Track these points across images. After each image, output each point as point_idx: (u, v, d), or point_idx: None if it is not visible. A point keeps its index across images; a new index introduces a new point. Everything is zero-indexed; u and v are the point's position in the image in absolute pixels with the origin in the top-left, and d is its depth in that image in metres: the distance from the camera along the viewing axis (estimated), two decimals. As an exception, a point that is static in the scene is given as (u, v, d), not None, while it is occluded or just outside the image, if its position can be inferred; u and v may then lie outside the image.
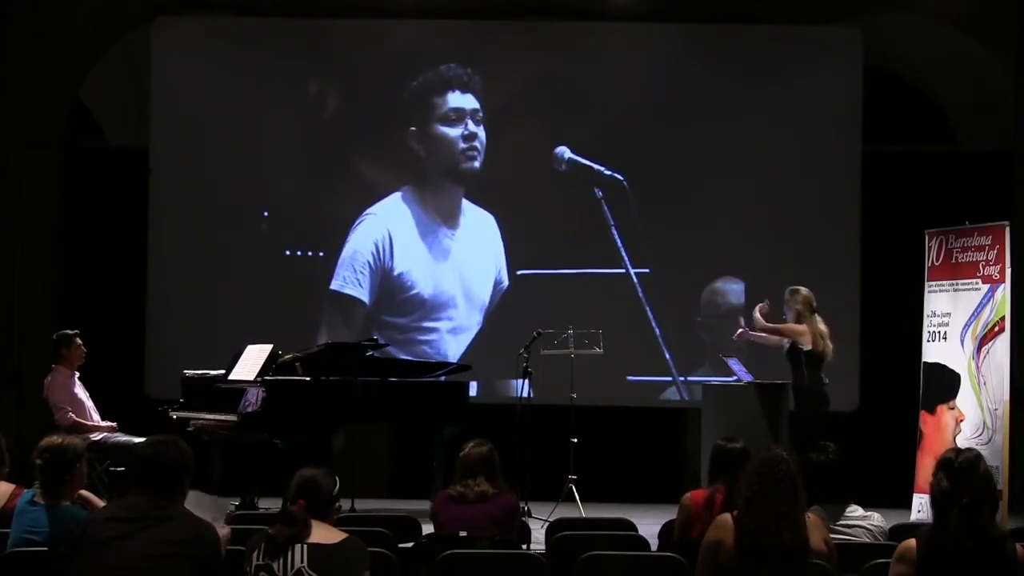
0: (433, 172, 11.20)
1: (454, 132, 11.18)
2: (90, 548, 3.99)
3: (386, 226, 11.13)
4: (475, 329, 11.10)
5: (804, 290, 8.69)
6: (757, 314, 8.81)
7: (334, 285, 11.09)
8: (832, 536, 4.76)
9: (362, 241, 11.13)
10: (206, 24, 11.62)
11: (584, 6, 11.46)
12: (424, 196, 11.21)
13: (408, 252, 11.10)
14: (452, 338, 11.07)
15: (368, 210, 11.15)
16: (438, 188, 11.21)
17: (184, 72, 11.26)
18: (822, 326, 8.60)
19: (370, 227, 11.14)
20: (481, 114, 11.17)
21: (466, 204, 11.21)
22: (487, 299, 11.14)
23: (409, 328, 11.04)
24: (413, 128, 11.18)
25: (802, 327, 8.57)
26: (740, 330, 8.97)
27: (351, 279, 11.07)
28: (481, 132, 11.16)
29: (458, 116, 11.18)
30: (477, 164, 11.15)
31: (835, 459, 5.39)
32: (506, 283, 11.10)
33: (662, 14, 11.32)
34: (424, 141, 11.19)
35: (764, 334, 8.79)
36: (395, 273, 11.08)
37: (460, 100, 11.19)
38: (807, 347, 8.52)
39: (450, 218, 11.20)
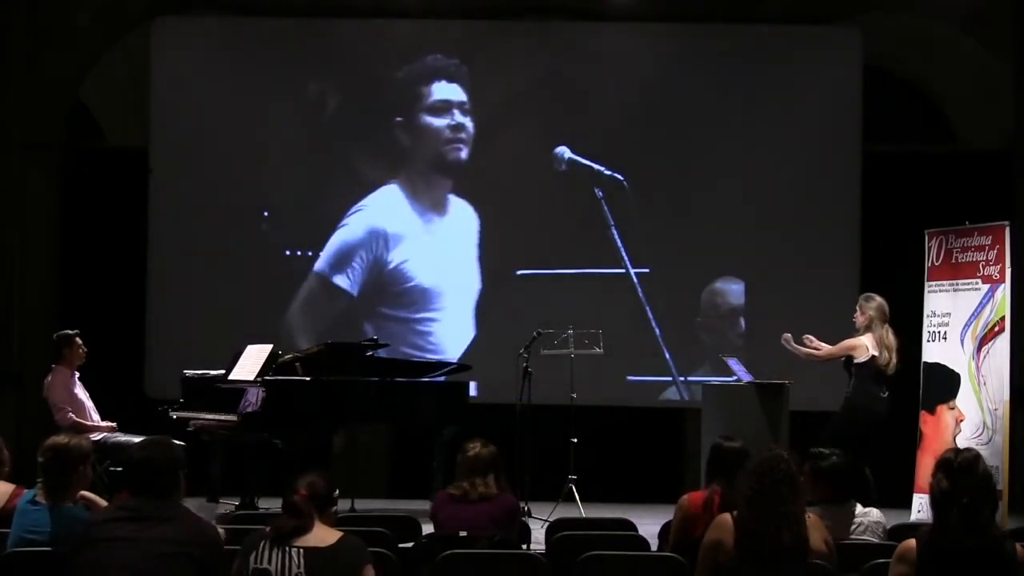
0: (420, 163, 11.18)
1: (440, 123, 11.16)
2: (92, 548, 4.00)
3: (379, 220, 11.10)
4: (471, 319, 11.09)
5: (879, 298, 8.47)
6: (796, 345, 8.53)
7: (323, 269, 11.06)
8: (844, 540, 4.75)
9: (355, 234, 11.10)
10: (206, 24, 11.63)
11: (584, 6, 11.47)
12: (415, 188, 11.18)
13: (403, 244, 11.08)
14: (448, 329, 11.07)
15: (358, 204, 11.13)
16: (427, 180, 11.19)
17: (184, 72, 11.26)
18: (891, 338, 8.36)
19: (362, 221, 11.11)
20: (468, 105, 11.16)
21: (452, 198, 11.19)
22: (480, 287, 11.14)
23: (409, 320, 11.02)
24: (400, 118, 11.17)
25: (855, 342, 8.38)
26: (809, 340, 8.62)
27: (342, 269, 11.05)
28: (468, 123, 11.15)
29: (444, 107, 11.16)
30: (463, 155, 11.13)
31: (842, 462, 5.38)
32: (479, 285, 11.09)
33: (662, 14, 11.32)
34: (410, 131, 11.17)
35: (822, 357, 8.55)
36: (391, 266, 11.07)
37: (446, 91, 11.17)
38: (861, 359, 8.36)
39: (438, 207, 11.16)
